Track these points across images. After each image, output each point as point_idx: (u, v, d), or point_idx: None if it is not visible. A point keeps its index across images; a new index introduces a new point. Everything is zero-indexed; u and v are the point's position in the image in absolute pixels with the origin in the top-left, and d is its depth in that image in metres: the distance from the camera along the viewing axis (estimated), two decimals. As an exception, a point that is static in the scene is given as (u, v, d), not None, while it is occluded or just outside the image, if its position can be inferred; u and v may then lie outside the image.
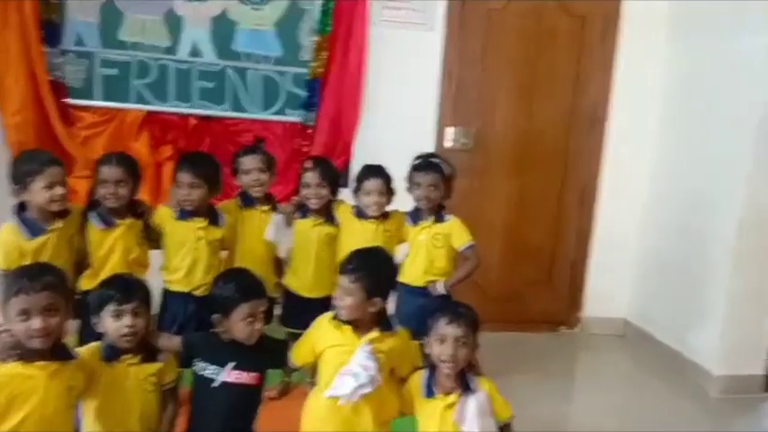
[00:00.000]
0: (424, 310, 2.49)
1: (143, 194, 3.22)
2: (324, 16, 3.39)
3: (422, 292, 2.74)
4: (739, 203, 3.19)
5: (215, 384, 1.90)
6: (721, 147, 3.34)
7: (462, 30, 3.61)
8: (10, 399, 1.64)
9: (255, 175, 2.66)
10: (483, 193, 3.80)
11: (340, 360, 1.88)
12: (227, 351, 1.92)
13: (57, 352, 1.72)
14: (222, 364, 1.90)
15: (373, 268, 1.95)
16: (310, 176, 2.71)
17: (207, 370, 1.91)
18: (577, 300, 4.05)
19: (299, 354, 2.03)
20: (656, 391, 3.38)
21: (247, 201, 2.70)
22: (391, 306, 2.71)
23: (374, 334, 1.91)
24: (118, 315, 1.82)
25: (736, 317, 3.26)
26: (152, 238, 2.47)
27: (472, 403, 1.86)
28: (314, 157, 3.11)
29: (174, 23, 3.31)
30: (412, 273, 2.76)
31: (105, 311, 1.83)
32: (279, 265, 2.82)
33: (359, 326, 1.93)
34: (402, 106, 3.58)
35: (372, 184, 2.68)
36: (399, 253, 2.79)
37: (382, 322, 1.95)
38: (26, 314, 1.64)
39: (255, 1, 3.35)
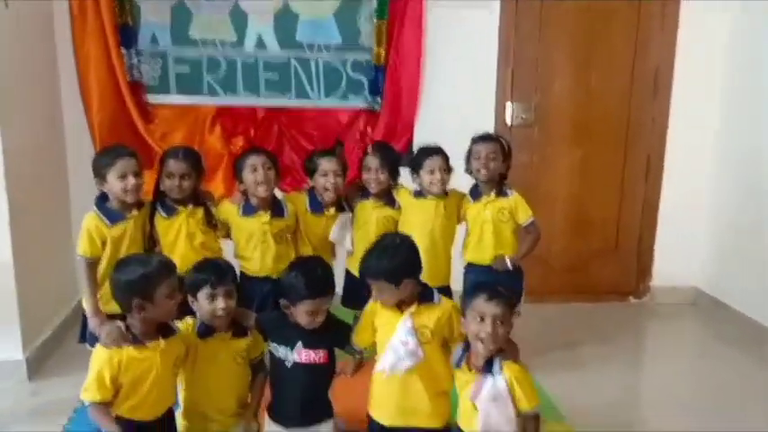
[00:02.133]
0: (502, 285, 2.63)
1: (219, 183, 3.46)
2: (381, 2, 3.46)
3: (490, 269, 2.79)
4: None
5: (288, 365, 2.03)
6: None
7: (518, 5, 3.62)
8: (133, 380, 1.85)
9: (332, 179, 2.74)
10: (545, 167, 3.83)
11: (387, 336, 1.97)
12: (295, 331, 2.02)
13: (162, 330, 1.91)
14: (291, 344, 2.02)
15: (391, 261, 1.97)
16: (371, 161, 2.82)
17: (279, 351, 2.04)
18: (646, 269, 4.03)
19: (360, 337, 2.12)
20: (733, 361, 3.32)
21: (315, 207, 2.78)
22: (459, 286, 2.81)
23: (413, 308, 1.97)
24: (213, 297, 1.97)
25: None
26: (213, 223, 2.59)
27: (487, 387, 1.80)
28: (376, 142, 3.20)
29: (239, 19, 3.45)
30: (479, 251, 2.82)
31: (201, 294, 1.98)
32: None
33: (401, 304, 2.00)
34: (461, 85, 3.64)
35: (434, 161, 2.75)
36: (459, 233, 2.88)
37: (424, 294, 2.01)
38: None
39: (314, -8, 3.47)
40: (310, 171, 2.81)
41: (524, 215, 2.78)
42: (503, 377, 1.79)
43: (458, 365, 1.91)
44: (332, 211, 2.80)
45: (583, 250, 3.98)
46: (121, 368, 1.83)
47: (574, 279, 3.98)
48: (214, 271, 2.01)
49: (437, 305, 2.03)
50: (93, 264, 2.39)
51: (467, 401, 1.86)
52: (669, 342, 3.67)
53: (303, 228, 2.79)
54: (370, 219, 2.83)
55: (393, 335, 1.97)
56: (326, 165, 2.76)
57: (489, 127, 3.55)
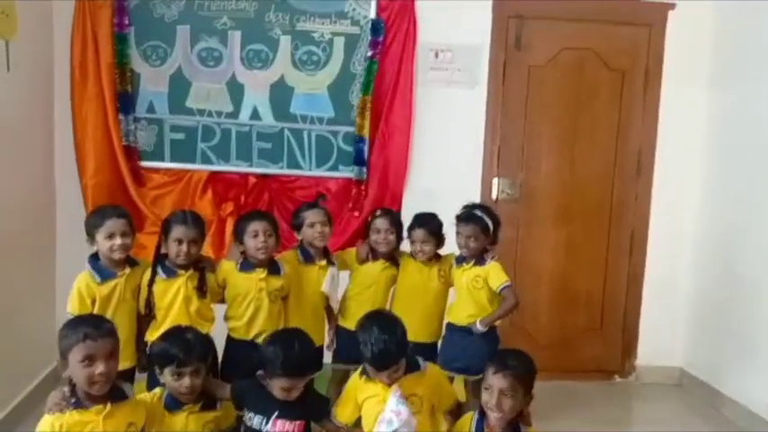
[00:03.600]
0: (467, 348, 2.75)
1: (207, 248, 3.47)
2: (367, 79, 3.59)
3: (467, 330, 2.87)
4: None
5: None
6: (764, 189, 3.35)
7: (505, 86, 3.76)
8: None
9: (320, 228, 2.81)
10: (530, 242, 3.88)
11: (376, 410, 1.97)
12: (272, 401, 2.00)
13: (111, 394, 1.85)
14: (267, 414, 1.99)
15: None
16: (380, 222, 2.93)
17: (254, 420, 2.01)
18: (631, 348, 4.02)
19: (342, 412, 2.10)
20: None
21: (307, 256, 2.85)
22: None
23: (401, 380, 1.99)
24: (178, 375, 1.96)
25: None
26: (204, 290, 2.55)
27: None
28: (382, 208, 3.27)
29: (236, 90, 3.57)
30: (457, 313, 2.92)
31: (167, 370, 1.97)
32: (331, 316, 2.98)
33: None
34: (449, 159, 3.74)
35: (417, 233, 2.90)
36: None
37: (410, 365, 2.04)
38: (90, 359, 1.77)
39: (310, 68, 3.60)
40: (297, 226, 2.88)
41: (497, 281, 2.84)
42: None
43: None
44: (323, 262, 2.85)
45: (568, 327, 3.98)
46: None
47: (559, 356, 3.95)
48: (182, 347, 1.99)
49: (424, 372, 2.06)
50: (73, 319, 2.37)
51: None
52: (653, 422, 3.61)
53: (296, 284, 2.80)
54: (378, 279, 2.93)
55: (383, 407, 1.96)
56: (313, 216, 2.83)
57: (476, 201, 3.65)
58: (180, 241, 2.50)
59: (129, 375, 2.41)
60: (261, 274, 2.62)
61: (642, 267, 3.96)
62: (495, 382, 1.88)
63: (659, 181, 3.91)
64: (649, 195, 3.92)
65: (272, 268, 2.67)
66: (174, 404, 1.99)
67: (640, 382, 4.00)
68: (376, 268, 2.95)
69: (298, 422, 2.01)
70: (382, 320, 2.06)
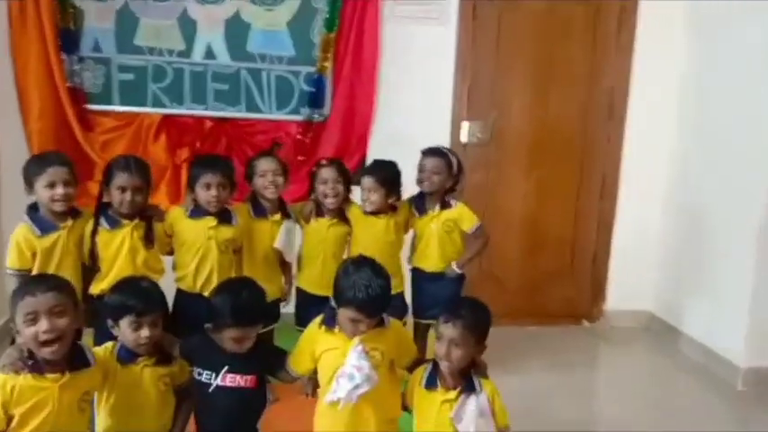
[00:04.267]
0: (441, 293, 2.77)
1: (163, 196, 3.32)
2: (331, 14, 3.40)
3: (439, 276, 2.88)
4: (762, 191, 3.13)
5: (211, 389, 1.92)
6: (740, 133, 3.30)
7: (476, 24, 3.59)
8: (25, 412, 1.67)
9: (270, 178, 2.67)
10: (501, 186, 3.80)
11: (336, 363, 1.88)
12: (222, 355, 1.93)
13: (72, 361, 1.74)
14: (217, 369, 1.92)
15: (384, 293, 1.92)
16: (327, 172, 2.75)
17: (203, 376, 1.94)
18: (600, 292, 4.01)
19: (298, 363, 2.01)
20: (682, 384, 3.35)
21: (259, 211, 2.71)
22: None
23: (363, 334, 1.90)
24: (137, 326, 1.86)
25: (761, 308, 3.19)
26: (150, 239, 2.42)
27: (472, 404, 1.84)
28: (328, 158, 3.12)
29: (188, 27, 3.35)
30: (427, 259, 2.89)
31: (124, 321, 1.86)
32: (287, 269, 2.85)
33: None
34: (417, 102, 3.59)
35: (365, 181, 2.77)
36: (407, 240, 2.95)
37: None
38: (34, 316, 1.65)
39: (268, 2, 3.38)
40: (249, 177, 2.73)
41: (469, 223, 2.86)
42: (484, 393, 1.86)
43: (429, 386, 1.90)
44: (276, 216, 2.71)
45: (538, 271, 3.94)
46: (14, 396, 1.66)
47: (528, 301, 3.94)
48: (140, 297, 1.89)
49: (387, 328, 1.97)
50: (22, 278, 2.22)
51: (443, 420, 1.85)
52: (622, 366, 3.65)
53: (249, 238, 2.68)
54: (326, 237, 2.78)
55: (342, 361, 1.87)
56: (264, 165, 2.69)
57: (444, 144, 3.52)
58: (123, 189, 2.34)
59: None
60: (211, 222, 2.49)
61: (613, 211, 3.91)
62: (446, 331, 1.85)
63: (632, 124, 3.82)
64: (621, 138, 3.83)
65: (224, 217, 2.54)
66: (128, 357, 1.90)
67: (610, 325, 4.00)
68: (322, 226, 2.78)
69: (249, 376, 1.94)
70: (375, 265, 1.93)
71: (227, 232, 2.53)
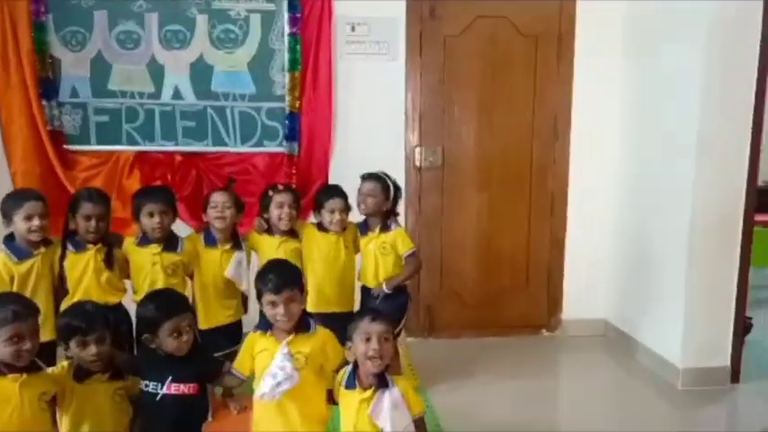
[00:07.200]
0: (383, 308, 2.84)
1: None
2: (293, 56, 3.68)
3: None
4: (689, 207, 3.32)
5: (158, 398, 2.10)
6: (669, 154, 3.51)
7: (422, 56, 3.85)
8: None
9: (220, 209, 2.90)
10: (454, 208, 4.01)
11: (265, 363, 2.12)
12: (165, 366, 2.12)
13: (29, 367, 2.00)
14: (162, 380, 2.10)
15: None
16: (283, 197, 2.99)
17: (149, 386, 2.12)
18: (556, 303, 4.20)
19: (242, 363, 2.26)
20: (631, 388, 3.49)
21: (209, 240, 2.93)
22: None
23: (289, 338, 2.15)
24: (83, 345, 2.05)
25: (695, 312, 3.39)
26: (110, 262, 2.71)
27: (387, 399, 2.00)
28: (283, 183, 3.38)
29: (156, 71, 3.65)
30: (365, 278, 3.10)
31: (72, 342, 2.06)
32: (244, 298, 3.05)
33: (280, 332, 2.18)
34: (373, 131, 3.84)
35: (335, 203, 2.99)
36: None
37: (300, 326, 2.19)
38: (19, 338, 1.92)
39: (228, 45, 3.68)
40: (204, 208, 2.97)
41: (404, 247, 3.03)
42: (396, 388, 2.03)
43: (349, 386, 2.08)
44: (227, 246, 2.94)
45: (495, 286, 4.13)
46: None
47: (487, 314, 4.12)
48: (83, 318, 2.07)
49: (312, 334, 2.21)
50: None
51: (363, 418, 2.02)
52: (579, 373, 3.82)
53: (198, 266, 2.91)
54: (278, 254, 2.94)
55: (270, 362, 2.11)
56: (216, 197, 2.93)
57: (400, 169, 3.81)
58: (88, 217, 2.64)
59: (50, 348, 2.51)
60: (155, 249, 2.76)
61: (563, 228, 4.12)
62: (374, 328, 2.02)
63: (576, 145, 4.04)
64: (567, 159, 4.05)
65: (170, 243, 2.80)
66: (82, 374, 2.09)
67: (567, 334, 4.19)
68: (273, 243, 2.98)
69: (192, 384, 2.13)
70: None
71: (172, 257, 2.79)
